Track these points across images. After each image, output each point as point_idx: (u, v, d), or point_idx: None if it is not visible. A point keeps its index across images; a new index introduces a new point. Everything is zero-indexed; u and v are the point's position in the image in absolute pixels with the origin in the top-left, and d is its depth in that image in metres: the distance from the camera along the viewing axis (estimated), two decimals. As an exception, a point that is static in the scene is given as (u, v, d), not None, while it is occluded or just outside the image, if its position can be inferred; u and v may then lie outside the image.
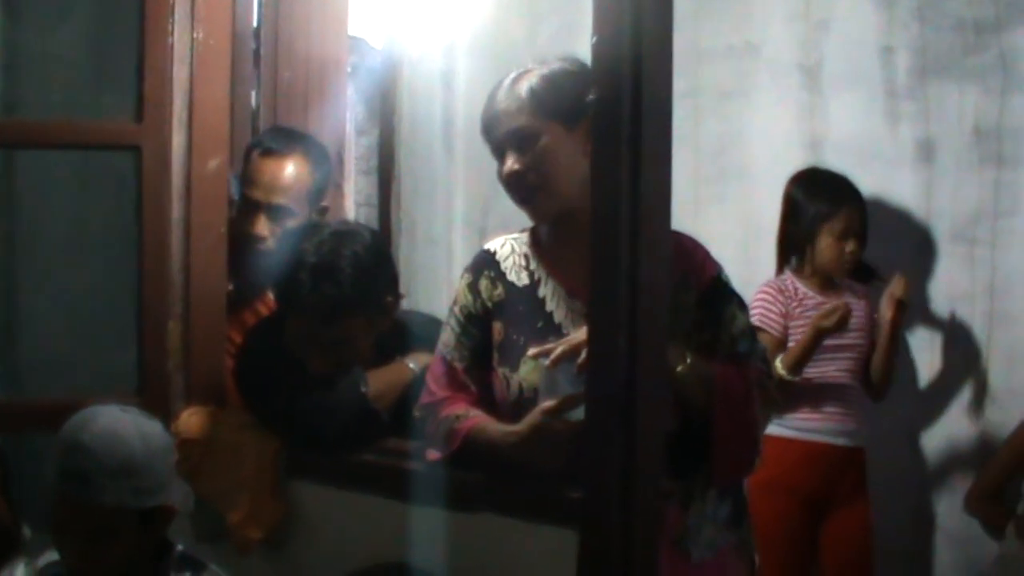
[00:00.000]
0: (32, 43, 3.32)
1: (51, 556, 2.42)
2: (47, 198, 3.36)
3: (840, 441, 3.58)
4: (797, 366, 3.48)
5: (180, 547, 2.29)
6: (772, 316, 3.55)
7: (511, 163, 2.25)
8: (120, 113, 2.94)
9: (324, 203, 3.13)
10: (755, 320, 3.48)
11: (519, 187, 2.26)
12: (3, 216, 3.38)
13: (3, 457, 2.79)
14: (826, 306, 3.50)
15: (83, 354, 3.27)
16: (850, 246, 3.56)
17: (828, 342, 3.51)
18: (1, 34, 3.31)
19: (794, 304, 3.57)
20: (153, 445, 2.17)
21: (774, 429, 3.49)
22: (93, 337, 3.28)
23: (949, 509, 3.71)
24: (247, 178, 3.02)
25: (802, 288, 3.59)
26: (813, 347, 3.48)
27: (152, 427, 2.20)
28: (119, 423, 2.15)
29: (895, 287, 3.55)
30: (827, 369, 3.56)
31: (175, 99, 2.82)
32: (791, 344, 3.54)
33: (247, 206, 3.00)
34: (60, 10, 3.32)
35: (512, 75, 2.28)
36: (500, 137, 2.27)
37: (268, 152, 3.02)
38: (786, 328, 3.56)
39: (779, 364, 3.47)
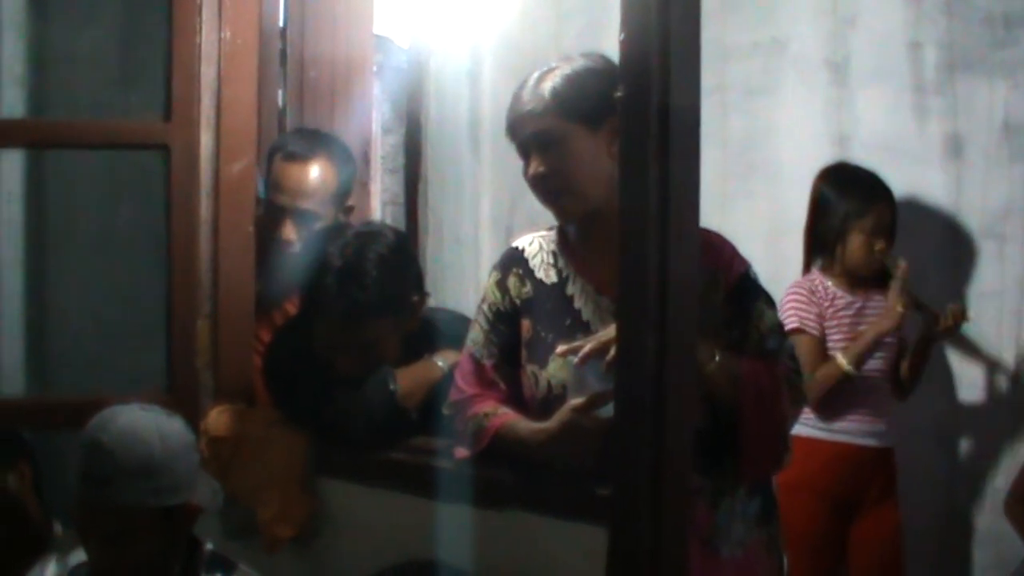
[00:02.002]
0: (61, 43, 3.35)
1: (83, 555, 2.44)
2: (76, 197, 3.39)
3: (869, 442, 3.54)
4: (861, 362, 3.46)
5: (210, 546, 2.30)
6: (810, 317, 3.52)
7: (535, 166, 2.26)
8: (148, 112, 2.96)
9: (349, 203, 3.14)
10: (793, 322, 3.47)
11: (544, 189, 2.27)
12: (33, 215, 3.40)
13: (32, 455, 2.81)
14: (884, 309, 3.47)
15: (112, 352, 3.29)
16: (879, 244, 3.52)
17: None
18: (30, 34, 3.34)
19: (827, 304, 3.54)
20: (173, 444, 2.17)
21: (802, 429, 3.48)
22: (122, 335, 3.30)
23: (979, 508, 3.69)
24: (272, 183, 3.03)
25: (832, 287, 3.56)
26: (875, 347, 3.47)
27: (172, 425, 2.21)
28: (138, 423, 2.16)
29: (954, 316, 3.48)
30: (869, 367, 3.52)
31: (203, 98, 2.83)
32: (829, 344, 3.54)
33: (273, 211, 3.00)
34: (88, 10, 3.34)
35: (536, 74, 2.28)
36: (524, 139, 2.28)
37: (292, 157, 3.02)
38: (823, 329, 3.55)
39: (841, 357, 3.45)
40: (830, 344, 3.53)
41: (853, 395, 3.51)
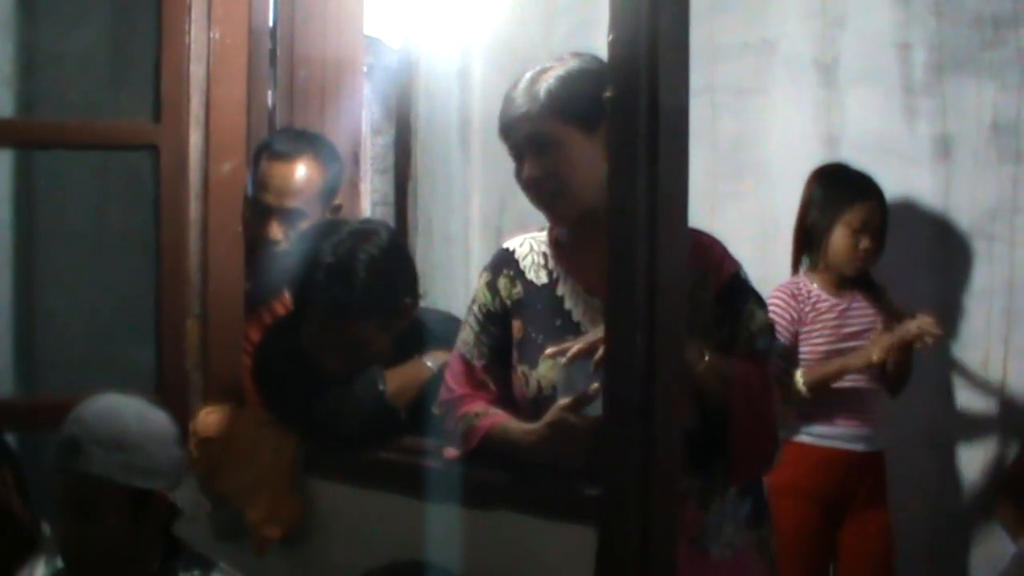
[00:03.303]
0: (50, 43, 3.34)
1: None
2: (66, 198, 3.38)
3: (857, 446, 3.54)
4: (818, 388, 3.45)
5: (190, 546, 2.30)
6: (783, 323, 3.51)
7: (529, 168, 2.24)
8: (138, 113, 2.95)
9: (337, 202, 3.13)
10: None
11: (538, 192, 2.26)
12: (22, 216, 3.39)
13: (14, 458, 2.79)
14: (861, 349, 3.47)
15: (101, 353, 3.28)
16: (864, 242, 3.52)
17: (845, 345, 3.51)
18: (20, 34, 3.33)
19: (807, 308, 3.54)
20: (150, 428, 2.20)
21: (790, 434, 3.49)
22: (111, 336, 3.29)
23: (970, 508, 3.69)
24: (258, 182, 3.02)
25: (816, 290, 3.56)
26: (837, 378, 3.47)
27: (155, 414, 2.24)
28: (119, 401, 2.21)
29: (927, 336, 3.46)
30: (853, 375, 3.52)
31: (192, 99, 2.83)
32: (803, 349, 3.53)
33: (259, 210, 3.00)
34: (78, 10, 3.33)
35: (529, 75, 2.26)
36: (518, 140, 2.26)
37: (277, 156, 3.02)
38: (796, 335, 3.54)
39: (800, 378, 3.45)
40: (811, 346, 3.53)
41: (839, 400, 3.51)
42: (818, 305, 3.55)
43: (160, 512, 2.22)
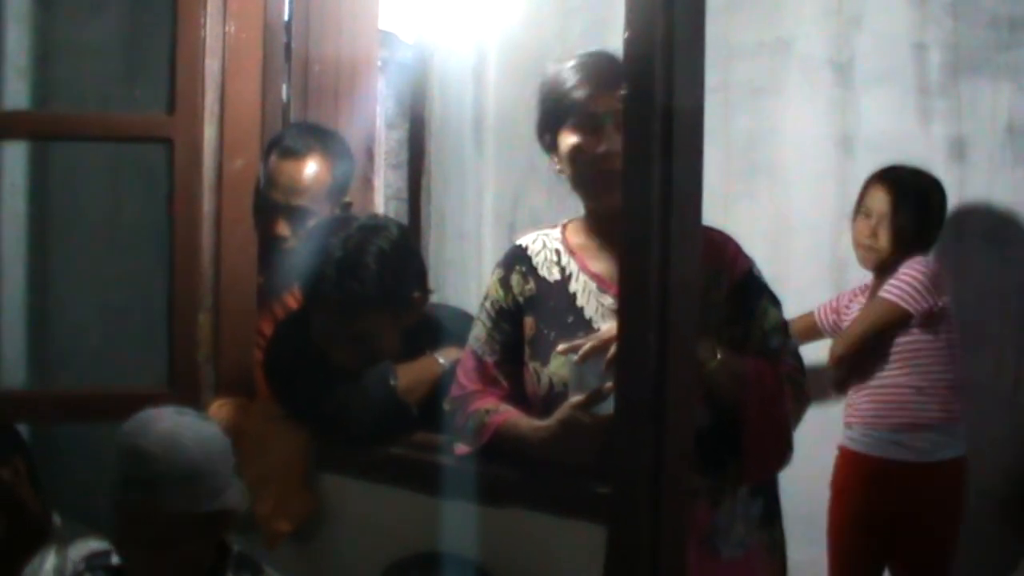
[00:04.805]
0: (66, 36, 3.34)
1: (86, 547, 2.43)
2: (79, 190, 3.38)
3: (897, 455, 3.42)
4: (843, 360, 3.44)
5: (237, 547, 2.29)
6: (825, 307, 3.64)
7: (611, 143, 2.16)
8: (152, 106, 2.96)
9: (347, 199, 3.12)
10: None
11: (608, 168, 2.16)
12: (36, 208, 3.40)
13: (26, 449, 2.81)
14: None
15: (114, 346, 3.29)
16: (868, 226, 3.47)
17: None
18: (35, 26, 3.34)
19: (846, 300, 3.61)
20: (211, 449, 2.17)
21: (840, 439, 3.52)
22: (124, 329, 3.29)
23: (980, 509, 3.68)
24: (266, 179, 3.01)
25: (862, 292, 3.61)
26: (860, 345, 3.42)
27: (210, 429, 2.21)
28: (178, 428, 2.14)
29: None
30: (890, 372, 3.46)
31: (207, 92, 2.83)
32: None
33: (267, 207, 2.99)
34: (94, 3, 3.34)
35: (604, 53, 2.23)
36: (607, 111, 2.17)
37: (286, 153, 2.99)
38: (834, 324, 3.61)
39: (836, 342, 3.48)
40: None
41: (883, 403, 3.46)
42: (852, 304, 3.59)
43: (224, 524, 2.21)
